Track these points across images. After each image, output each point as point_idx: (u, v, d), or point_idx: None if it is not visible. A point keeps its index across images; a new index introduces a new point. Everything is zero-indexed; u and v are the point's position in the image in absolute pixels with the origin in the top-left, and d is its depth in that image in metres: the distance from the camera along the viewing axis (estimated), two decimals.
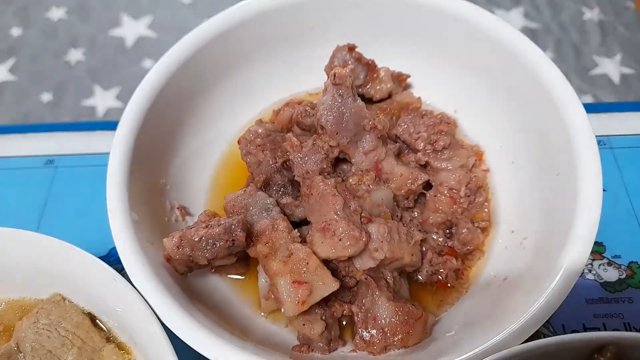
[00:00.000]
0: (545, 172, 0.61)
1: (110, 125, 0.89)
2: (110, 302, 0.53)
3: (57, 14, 1.08)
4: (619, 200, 0.74)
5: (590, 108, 0.83)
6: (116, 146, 0.59)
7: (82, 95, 0.96)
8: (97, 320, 0.56)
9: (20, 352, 0.53)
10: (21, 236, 0.55)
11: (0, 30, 1.06)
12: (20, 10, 1.09)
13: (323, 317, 0.56)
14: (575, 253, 0.51)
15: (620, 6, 1.01)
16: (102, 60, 1.01)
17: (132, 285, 0.51)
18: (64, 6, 1.09)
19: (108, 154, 0.85)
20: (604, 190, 0.66)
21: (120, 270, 0.53)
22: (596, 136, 0.64)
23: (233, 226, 0.55)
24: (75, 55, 1.02)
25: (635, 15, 1.00)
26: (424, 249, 0.62)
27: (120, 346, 0.54)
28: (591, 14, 1.00)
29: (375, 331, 0.54)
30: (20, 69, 1.00)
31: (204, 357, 0.49)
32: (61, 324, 0.53)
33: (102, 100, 0.96)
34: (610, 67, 0.94)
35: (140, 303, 0.49)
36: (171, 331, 0.49)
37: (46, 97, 0.96)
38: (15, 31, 1.05)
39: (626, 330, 0.64)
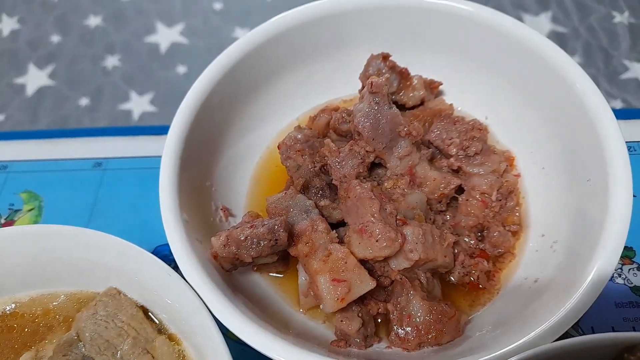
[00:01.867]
0: (575, 178, 0.62)
1: (153, 129, 0.93)
2: (162, 295, 0.57)
3: (94, 21, 1.12)
4: None
5: (619, 114, 0.84)
6: (167, 150, 0.63)
7: (118, 99, 1.00)
8: (149, 313, 0.60)
9: (80, 341, 0.57)
10: (80, 233, 0.59)
11: (41, 37, 1.11)
12: (60, 19, 1.13)
13: (360, 314, 0.59)
14: (604, 258, 0.52)
15: None
16: (137, 66, 1.05)
17: (184, 279, 0.55)
18: (100, 14, 1.13)
19: (151, 157, 0.90)
20: (634, 196, 0.68)
21: (169, 265, 0.57)
22: (626, 142, 0.66)
23: (276, 226, 0.58)
24: (111, 61, 1.06)
25: None
26: (456, 251, 0.64)
27: (170, 337, 0.58)
28: (621, 18, 1.00)
29: (409, 328, 0.57)
30: (59, 75, 1.05)
31: (247, 346, 0.52)
32: (117, 315, 0.58)
33: (137, 105, 1.00)
34: None
35: (191, 295, 0.53)
36: (218, 322, 0.53)
37: (84, 101, 1.01)
38: (55, 38, 1.10)
39: None
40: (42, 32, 1.12)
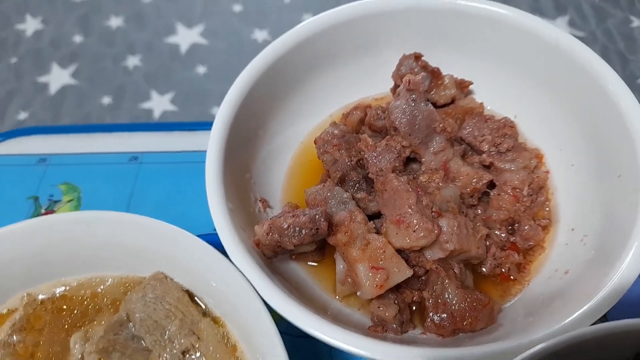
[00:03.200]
0: (605, 175, 0.65)
1: (185, 126, 0.97)
2: (208, 279, 0.60)
3: (115, 22, 1.14)
4: None
5: None
6: (212, 143, 0.66)
7: (140, 98, 1.02)
8: (195, 298, 0.63)
9: (130, 322, 0.60)
10: (130, 219, 0.62)
11: (63, 37, 1.13)
12: (81, 19, 1.15)
13: (396, 302, 0.62)
14: (635, 253, 0.54)
15: None
16: (157, 65, 1.07)
17: (233, 263, 0.57)
18: (122, 15, 1.15)
19: (184, 152, 0.93)
20: None
21: None
22: None
23: (317, 216, 0.61)
24: (132, 61, 1.08)
25: None
26: (487, 243, 0.66)
27: (215, 320, 0.61)
28: (639, 22, 1.01)
29: (445, 315, 0.59)
30: (81, 74, 1.07)
31: (292, 328, 0.55)
32: (165, 298, 0.60)
33: (158, 104, 1.01)
34: None
35: (240, 279, 0.56)
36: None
37: (106, 100, 1.02)
38: (77, 38, 1.12)
39: None
40: (64, 32, 1.14)
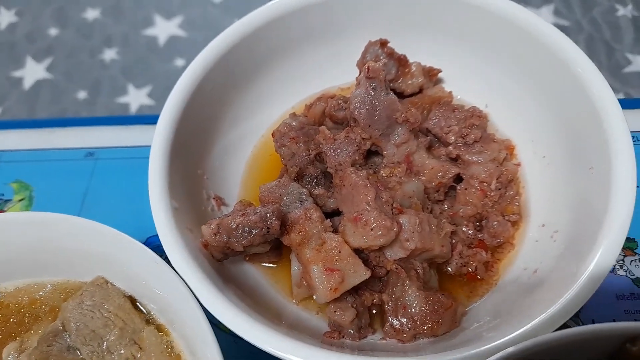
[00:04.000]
0: (577, 167, 0.61)
1: (146, 119, 0.92)
2: (150, 286, 0.56)
3: (92, 14, 1.11)
4: None
5: (623, 104, 0.82)
6: (157, 138, 0.62)
7: (116, 93, 0.99)
8: (137, 303, 0.58)
9: (66, 331, 0.56)
10: (68, 221, 0.58)
11: (39, 30, 1.09)
12: (57, 11, 1.12)
13: (354, 305, 0.58)
14: (606, 249, 0.51)
15: None
16: (135, 59, 1.04)
17: (173, 268, 0.53)
18: (98, 7, 1.12)
19: (144, 147, 0.88)
20: (637, 186, 0.66)
21: (159, 256, 0.56)
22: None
23: (268, 214, 0.57)
24: (109, 54, 1.04)
25: None
26: (453, 241, 0.62)
27: (159, 328, 0.57)
28: (625, 11, 0.98)
29: (405, 319, 0.56)
30: (57, 68, 1.04)
31: (239, 338, 0.51)
32: (104, 305, 0.56)
33: (135, 98, 0.98)
34: None
35: (180, 286, 0.51)
36: (208, 313, 0.51)
37: (82, 94, 0.99)
38: (53, 31, 1.09)
39: None
40: (40, 25, 1.11)
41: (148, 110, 0.97)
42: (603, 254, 0.51)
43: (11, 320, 0.59)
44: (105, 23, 1.10)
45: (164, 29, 1.07)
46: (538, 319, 0.49)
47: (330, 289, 0.54)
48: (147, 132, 0.89)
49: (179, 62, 1.02)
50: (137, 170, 0.85)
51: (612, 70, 0.93)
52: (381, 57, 0.73)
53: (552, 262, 0.57)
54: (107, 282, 0.58)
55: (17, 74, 1.03)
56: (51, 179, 0.86)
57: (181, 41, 1.05)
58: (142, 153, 0.87)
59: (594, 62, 0.94)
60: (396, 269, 0.58)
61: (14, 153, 0.89)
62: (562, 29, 0.97)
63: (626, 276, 0.67)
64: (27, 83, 1.02)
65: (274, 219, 0.57)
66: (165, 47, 1.05)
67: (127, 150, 0.88)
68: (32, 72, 1.03)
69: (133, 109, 0.97)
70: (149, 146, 0.88)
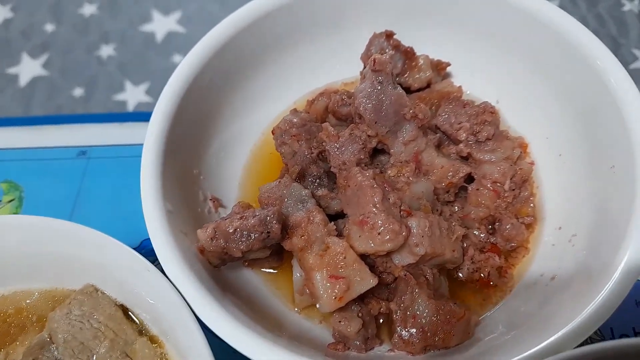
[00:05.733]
0: (597, 166, 0.57)
1: (141, 116, 0.89)
2: (143, 294, 0.52)
3: (88, 10, 1.08)
4: None
5: None
6: (150, 136, 0.58)
7: (113, 90, 0.97)
8: (130, 313, 0.55)
9: (53, 343, 0.52)
10: (54, 225, 0.54)
11: (34, 26, 1.07)
12: (54, 7, 1.10)
13: (360, 315, 0.54)
14: (634, 250, 0.47)
15: None
16: (132, 55, 1.02)
17: (166, 276, 0.49)
18: (95, 2, 1.09)
19: (139, 145, 0.84)
20: None
21: (154, 261, 0.52)
22: None
23: (268, 217, 0.53)
24: (106, 50, 1.02)
25: None
26: (465, 245, 0.59)
27: (152, 339, 0.53)
28: (631, 6, 0.96)
29: (414, 330, 0.52)
30: (53, 64, 1.01)
31: (236, 351, 0.47)
32: (94, 315, 0.53)
33: (132, 95, 0.96)
34: None
35: (173, 295, 0.48)
36: (204, 323, 0.48)
37: (78, 91, 0.97)
38: (49, 27, 1.06)
39: None
40: (36, 21, 1.08)
41: (146, 108, 0.94)
42: (631, 257, 0.47)
43: None
44: (102, 19, 1.07)
45: (162, 24, 1.05)
46: (561, 333, 0.46)
47: (335, 298, 0.50)
48: (141, 129, 0.86)
49: (178, 58, 0.99)
50: (131, 170, 0.81)
51: None
52: (387, 50, 0.69)
53: (572, 268, 0.54)
54: (97, 290, 0.55)
55: (12, 70, 1.00)
56: (42, 179, 0.83)
57: (180, 37, 1.03)
58: (135, 151, 0.85)
59: None
60: (405, 275, 0.54)
61: (3, 152, 0.86)
62: None
63: None
64: (23, 80, 0.99)
65: (274, 222, 0.53)
66: (164, 43, 1.02)
67: (120, 148, 0.85)
68: (28, 68, 1.01)
69: (131, 106, 0.94)
70: (141, 144, 0.86)
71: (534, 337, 0.47)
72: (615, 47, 0.91)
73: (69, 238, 0.54)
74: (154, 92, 0.95)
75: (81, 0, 1.10)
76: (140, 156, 0.84)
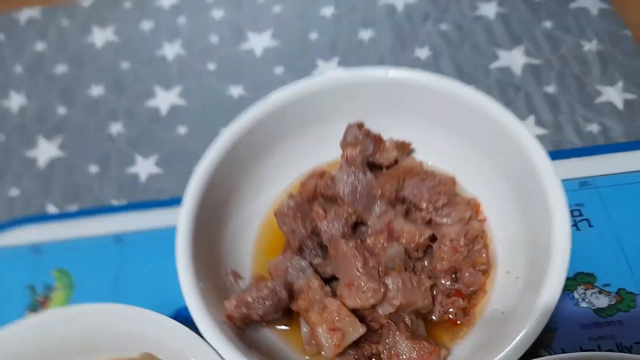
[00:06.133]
0: (527, 218, 0.73)
1: (163, 203, 1.04)
2: (189, 356, 0.67)
3: (96, 91, 1.19)
4: (604, 235, 0.84)
5: (575, 152, 0.95)
6: (181, 224, 0.74)
7: (125, 164, 1.07)
8: None
9: None
10: (117, 309, 0.70)
11: (47, 110, 1.17)
12: (63, 91, 1.21)
13: (356, 357, 0.69)
14: (550, 287, 0.63)
15: (617, 35, 1.07)
16: (140, 130, 1.11)
17: (205, 340, 0.65)
18: (102, 83, 1.20)
19: (165, 228, 1.00)
20: (591, 226, 0.79)
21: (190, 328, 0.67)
22: (582, 177, 0.83)
23: (278, 287, 0.69)
24: (115, 127, 1.12)
25: (633, 43, 1.06)
26: (434, 292, 0.74)
27: None
28: (590, 46, 1.06)
29: None
30: (67, 145, 1.12)
31: None
32: None
33: (143, 168, 1.06)
34: (614, 95, 0.99)
35: (212, 354, 0.63)
36: None
37: (93, 168, 1.07)
38: (61, 110, 1.17)
39: (618, 350, 0.74)
40: (48, 105, 1.18)
41: (157, 179, 1.05)
42: (548, 292, 0.63)
43: None
44: (109, 98, 1.17)
45: (164, 99, 1.15)
46: (505, 351, 0.61)
47: (334, 346, 0.66)
48: (166, 213, 1.01)
49: (182, 129, 1.10)
50: (162, 250, 0.97)
51: (585, 102, 1.00)
52: (360, 137, 0.86)
53: (515, 302, 0.69)
54: (152, 356, 0.70)
55: (30, 154, 1.11)
56: (87, 265, 0.98)
57: (182, 109, 1.13)
58: (164, 234, 1.00)
59: (566, 95, 1.02)
60: (387, 322, 0.70)
61: (53, 244, 1.02)
62: (534, 67, 1.06)
63: (588, 307, 0.79)
64: (41, 162, 1.10)
65: (283, 290, 0.69)
66: (167, 116, 1.12)
67: (150, 232, 1.01)
68: (45, 151, 1.11)
69: (143, 178, 1.05)
70: (169, 227, 1.00)
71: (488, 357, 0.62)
72: (581, 85, 1.01)
73: (128, 318, 0.70)
74: (163, 163, 1.05)
75: (88, 82, 1.20)
76: (165, 238, 0.99)
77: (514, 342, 0.61)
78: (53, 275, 0.98)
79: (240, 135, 0.84)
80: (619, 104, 0.98)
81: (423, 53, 1.15)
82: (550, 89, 1.03)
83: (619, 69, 1.01)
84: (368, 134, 0.87)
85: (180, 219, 0.76)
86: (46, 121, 1.16)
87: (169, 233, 0.99)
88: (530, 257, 0.71)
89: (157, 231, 1.01)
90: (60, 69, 1.24)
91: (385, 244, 0.74)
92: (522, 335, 0.61)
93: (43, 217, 1.07)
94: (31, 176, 1.09)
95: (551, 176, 0.70)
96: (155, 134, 1.10)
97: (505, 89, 1.06)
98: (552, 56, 1.06)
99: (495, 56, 1.11)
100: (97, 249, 1.01)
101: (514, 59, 1.08)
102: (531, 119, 1.01)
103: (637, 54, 1.04)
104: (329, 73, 0.90)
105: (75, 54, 1.28)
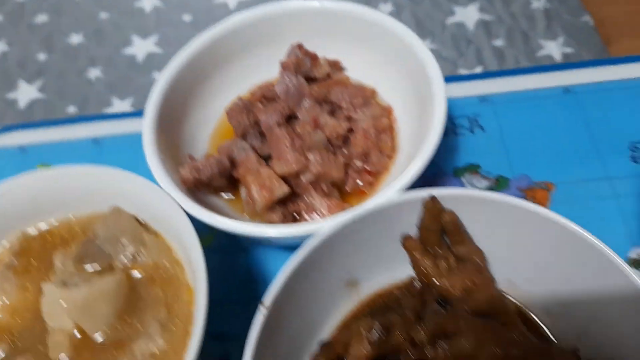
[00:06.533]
0: (420, 112, 0.93)
1: (135, 114, 1.21)
2: (149, 208, 0.86)
3: (76, 39, 1.29)
4: (493, 137, 1.05)
5: (478, 76, 1.15)
6: (146, 119, 0.91)
7: (102, 105, 1.19)
8: (139, 220, 0.88)
9: (96, 239, 0.85)
10: (84, 169, 0.87)
11: (28, 56, 1.28)
12: (45, 39, 1.31)
13: (283, 213, 0.89)
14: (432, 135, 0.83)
15: None
16: (117, 75, 1.22)
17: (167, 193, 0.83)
18: (81, 32, 1.31)
19: (137, 133, 1.18)
20: (484, 131, 0.99)
21: None
22: (481, 95, 1.00)
23: (223, 158, 0.88)
24: (94, 72, 1.23)
25: (578, 1, 1.16)
26: (348, 171, 0.94)
27: (155, 234, 0.86)
28: (538, 4, 1.17)
29: (314, 213, 0.87)
30: (47, 88, 1.23)
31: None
32: (121, 222, 0.86)
33: (119, 109, 1.18)
34: (554, 49, 1.12)
35: (172, 202, 0.81)
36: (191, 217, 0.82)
37: (72, 109, 1.19)
38: (41, 56, 1.27)
39: None
40: (30, 52, 1.28)
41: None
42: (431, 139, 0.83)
43: (57, 239, 0.89)
44: (89, 46, 1.28)
45: (141, 47, 1.26)
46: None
47: (264, 198, 0.86)
48: (136, 122, 1.18)
49: (157, 75, 1.22)
50: (132, 152, 1.14)
51: (528, 54, 1.13)
52: (299, 55, 1.05)
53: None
54: (120, 209, 0.88)
55: (11, 95, 1.22)
56: (68, 162, 1.14)
57: (158, 57, 1.25)
58: (134, 139, 1.18)
59: (513, 49, 1.15)
60: (308, 187, 0.89)
61: (35, 146, 1.18)
62: (487, 23, 1.19)
63: (472, 188, 1.00)
64: (22, 103, 1.20)
65: (226, 160, 0.88)
66: (144, 63, 1.24)
67: (123, 136, 1.18)
68: (26, 93, 1.21)
69: None
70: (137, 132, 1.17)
71: None
72: (526, 40, 1.12)
73: (101, 177, 0.87)
74: (138, 105, 1.16)
75: (69, 31, 1.29)
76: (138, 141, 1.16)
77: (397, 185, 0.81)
78: (38, 169, 1.15)
79: (202, 48, 1.02)
80: (558, 57, 1.10)
81: (386, 8, 1.29)
82: (499, 42, 1.14)
83: (562, 25, 1.11)
84: (307, 53, 1.05)
85: (146, 112, 0.94)
86: (27, 66, 1.24)
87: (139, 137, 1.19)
88: (420, 135, 0.90)
89: (130, 135, 1.18)
90: (41, 18, 1.32)
91: (310, 132, 0.94)
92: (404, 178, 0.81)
93: (29, 125, 1.23)
94: (13, 115, 1.19)
95: (438, 80, 0.89)
96: (132, 79, 1.20)
97: (459, 42, 1.18)
98: (503, 13, 1.17)
99: (451, 12, 1.23)
100: (77, 149, 1.18)
101: (469, 15, 1.20)
102: (478, 70, 1.15)
103: (580, 11, 1.14)
104: (282, 2, 1.08)
105: (55, 4, 1.35)
